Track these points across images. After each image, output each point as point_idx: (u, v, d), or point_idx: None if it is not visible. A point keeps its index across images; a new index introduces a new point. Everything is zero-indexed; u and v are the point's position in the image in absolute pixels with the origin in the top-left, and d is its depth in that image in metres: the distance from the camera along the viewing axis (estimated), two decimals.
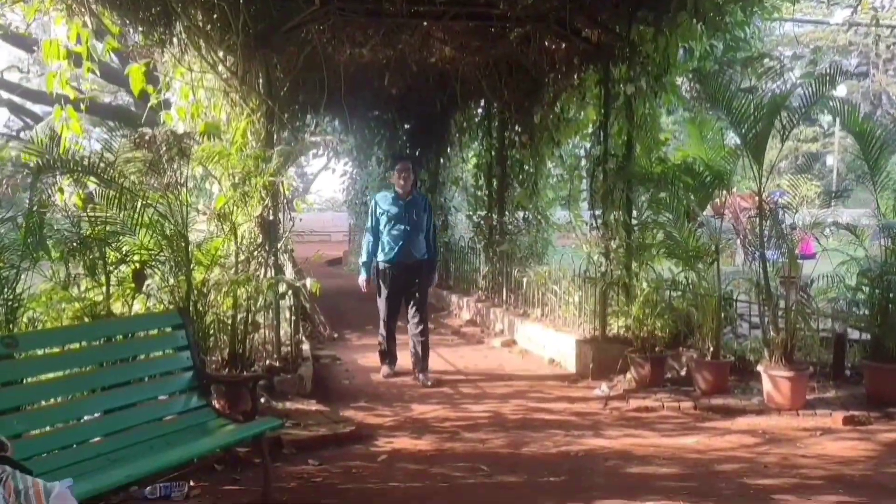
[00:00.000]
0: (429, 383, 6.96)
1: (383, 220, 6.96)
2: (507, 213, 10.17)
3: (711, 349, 6.43)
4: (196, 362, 4.42)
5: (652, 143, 6.92)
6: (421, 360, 7.14)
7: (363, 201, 18.10)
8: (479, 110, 11.33)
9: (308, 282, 6.58)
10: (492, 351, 8.68)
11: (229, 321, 5.49)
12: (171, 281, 4.92)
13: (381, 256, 7.00)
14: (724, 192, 6.33)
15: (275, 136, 6.39)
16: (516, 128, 9.84)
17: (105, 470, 3.49)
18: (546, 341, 8.10)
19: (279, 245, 6.42)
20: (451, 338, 9.50)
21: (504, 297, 9.70)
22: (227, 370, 5.52)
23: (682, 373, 6.92)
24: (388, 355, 7.32)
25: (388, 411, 6.19)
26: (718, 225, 6.55)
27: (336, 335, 9.41)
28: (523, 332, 8.71)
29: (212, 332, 5.26)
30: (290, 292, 6.41)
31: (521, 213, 9.98)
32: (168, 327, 4.46)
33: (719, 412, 5.99)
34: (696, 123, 6.40)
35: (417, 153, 13.85)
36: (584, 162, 8.09)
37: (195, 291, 4.97)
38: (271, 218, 6.32)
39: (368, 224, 7.15)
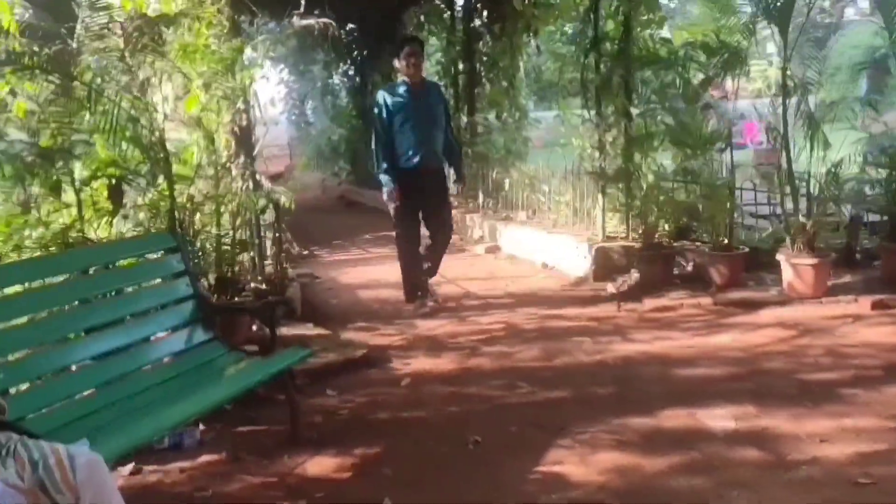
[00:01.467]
0: (431, 303, 6.14)
1: (395, 115, 5.76)
2: (476, 112, 9.52)
3: (725, 241, 6.10)
4: (197, 290, 3.79)
5: (654, 22, 6.34)
6: (431, 265, 6.31)
7: (303, 111, 17.14)
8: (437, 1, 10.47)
9: (282, 192, 5.92)
10: (477, 258, 8.22)
11: (214, 241, 4.81)
12: (152, 196, 4.18)
13: (398, 161, 5.82)
14: (740, 70, 5.83)
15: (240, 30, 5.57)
16: (484, 16, 9.10)
17: (116, 427, 2.89)
18: (536, 245, 7.67)
19: (255, 154, 5.69)
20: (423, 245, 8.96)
21: (481, 202, 9.18)
22: (216, 297, 4.88)
23: (689, 268, 6.61)
24: (415, 287, 6.15)
25: (391, 330, 5.69)
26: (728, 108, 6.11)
27: (305, 252, 8.77)
28: (509, 237, 8.25)
29: (200, 254, 4.58)
30: (270, 207, 5.71)
31: (493, 112, 9.35)
32: (159, 251, 3.79)
33: (741, 306, 5.70)
34: None
35: (365, 53, 12.93)
36: (569, 49, 7.44)
37: (181, 209, 4.27)
38: (244, 124, 5.56)
39: (377, 126, 5.91)
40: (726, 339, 5.02)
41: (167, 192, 4.16)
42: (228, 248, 4.95)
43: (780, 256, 5.80)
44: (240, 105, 5.34)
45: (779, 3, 5.36)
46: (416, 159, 5.79)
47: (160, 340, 3.65)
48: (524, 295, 6.54)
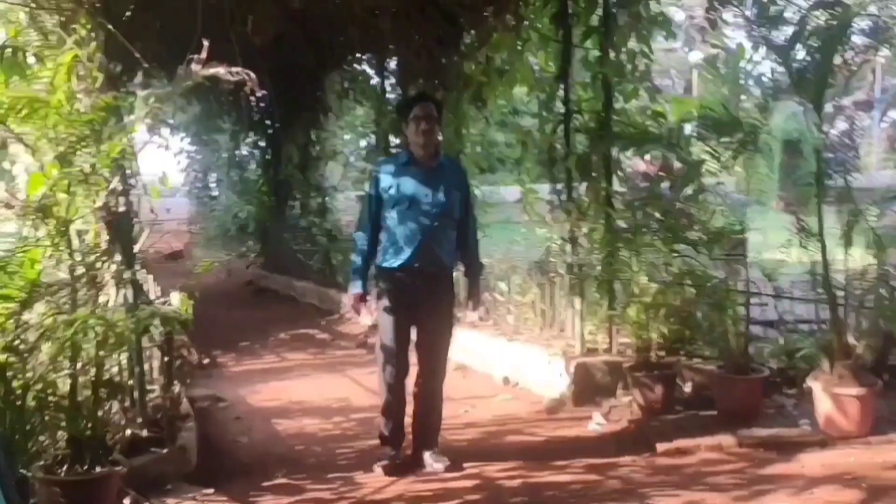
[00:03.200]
0: (440, 467, 4.30)
1: (390, 202, 4.19)
2: None
3: (740, 361, 4.92)
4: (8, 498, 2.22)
5: (642, 92, 5.27)
6: (429, 431, 4.44)
7: (206, 184, 15.53)
8: (365, 66, 9.27)
9: (175, 297, 4.41)
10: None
11: (67, 388, 3.23)
12: None
13: (383, 259, 4.25)
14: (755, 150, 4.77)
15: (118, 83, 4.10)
16: (420, 83, 7.91)
17: None
18: (494, 355, 6.32)
19: (136, 250, 4.17)
20: (358, 352, 7.48)
21: None
22: (65, 468, 3.27)
23: (687, 389, 5.39)
24: (391, 431, 4.42)
25: (325, 490, 4.16)
26: (741, 197, 5.03)
27: (206, 360, 7.11)
28: (455, 344, 6.85)
29: (36, 420, 3.00)
30: (157, 322, 4.15)
31: None
32: None
33: (772, 448, 4.49)
34: (717, 62, 4.79)
35: (277, 125, 11.56)
36: (530, 121, 6.33)
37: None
38: (122, 209, 4.06)
39: (364, 210, 4.46)
40: None
41: None
42: (89, 393, 3.36)
43: (813, 384, 4.64)
44: (115, 184, 3.85)
45: (811, 75, 4.34)
46: (406, 256, 4.14)
47: None
48: (490, 428, 5.14)
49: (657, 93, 5.47)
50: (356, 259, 4.33)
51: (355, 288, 4.31)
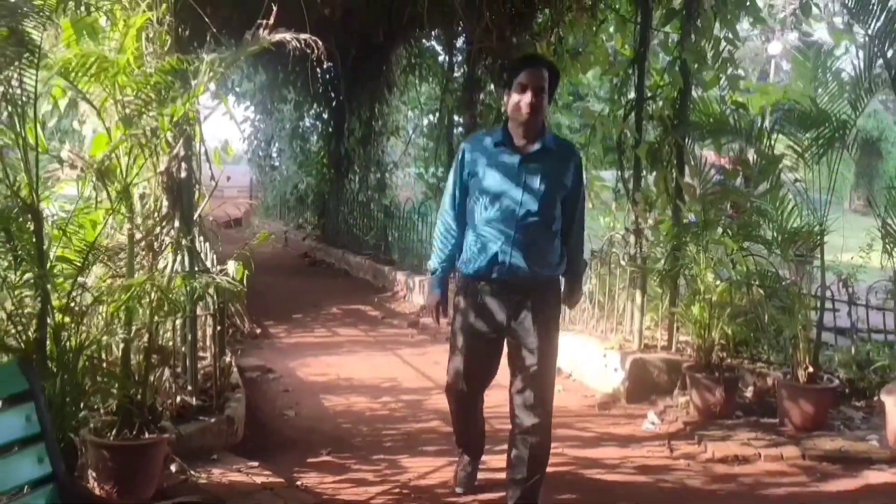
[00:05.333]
0: None
1: (474, 192, 3.36)
2: None
3: (809, 369, 4.68)
4: (58, 470, 2.19)
5: (726, 81, 5.00)
6: (524, 478, 3.40)
7: (268, 154, 15.62)
8: (433, 42, 9.12)
9: (231, 266, 4.37)
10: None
11: (119, 353, 3.22)
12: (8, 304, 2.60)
13: (463, 263, 3.44)
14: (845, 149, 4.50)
15: (186, 47, 4.06)
16: (488, 62, 7.74)
17: None
18: None
19: (196, 217, 4.14)
20: (408, 332, 7.42)
21: None
22: (114, 431, 3.27)
23: (749, 394, 5.18)
24: (464, 449, 3.87)
25: (367, 471, 4.10)
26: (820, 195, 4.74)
27: (258, 330, 7.13)
28: None
29: (87, 383, 2.98)
30: (212, 290, 4.12)
31: None
32: None
33: (837, 462, 4.27)
34: (813, 54, 4.49)
35: (341, 98, 11.50)
36: (602, 107, 6.12)
37: (55, 315, 2.68)
38: (183, 175, 4.03)
39: (447, 198, 3.52)
40: None
41: (34, 291, 2.58)
42: (141, 359, 3.34)
43: (886, 398, 4.40)
44: (178, 149, 3.81)
45: None
46: (485, 262, 3.30)
47: None
48: None
49: (740, 79, 5.19)
50: (437, 256, 3.55)
51: (435, 291, 3.57)
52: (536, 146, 3.30)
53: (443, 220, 3.53)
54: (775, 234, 4.73)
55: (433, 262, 3.60)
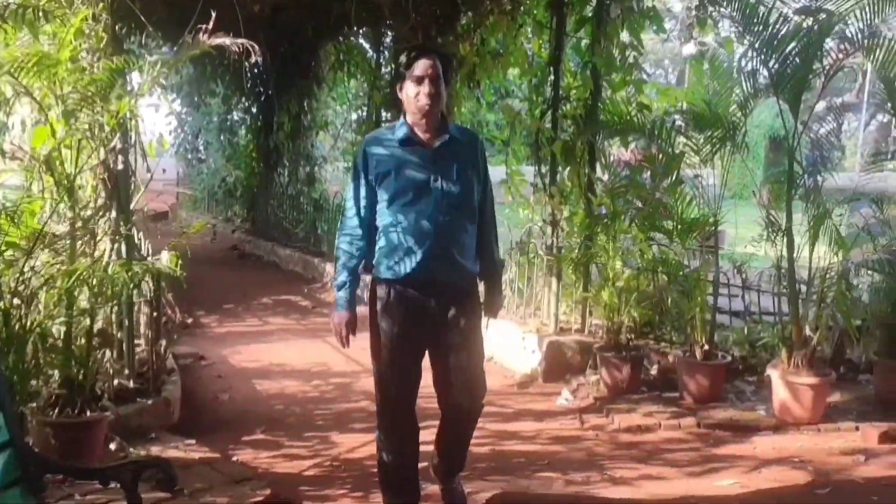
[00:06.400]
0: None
1: (386, 193, 3.12)
2: None
3: (706, 347, 5.15)
4: (15, 436, 2.39)
5: (628, 83, 5.44)
6: (452, 458, 3.50)
7: (195, 147, 15.51)
8: (361, 40, 9.35)
9: (165, 256, 4.55)
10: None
11: (60, 335, 3.40)
12: None
13: (381, 269, 3.15)
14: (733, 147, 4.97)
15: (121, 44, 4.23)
16: None
17: None
18: None
19: (133, 207, 4.31)
20: None
21: None
22: (57, 410, 3.45)
23: (653, 372, 5.64)
24: (395, 481, 3.41)
25: (301, 448, 4.36)
26: (715, 190, 5.22)
27: (189, 320, 7.26)
28: None
29: (33, 363, 3.16)
30: (147, 278, 4.31)
31: None
32: None
33: (728, 429, 4.75)
34: (704, 60, 4.97)
35: (270, 92, 11.60)
36: (519, 105, 6.49)
37: (5, 298, 2.86)
38: (120, 167, 4.19)
39: (349, 204, 3.22)
40: (729, 484, 3.99)
41: None
42: (83, 341, 3.53)
43: (772, 372, 4.89)
44: (115, 143, 3.98)
45: (792, 79, 4.53)
46: (411, 264, 3.08)
47: None
48: None
49: (644, 84, 5.64)
50: (343, 270, 3.22)
51: (342, 309, 3.23)
52: (444, 137, 3.13)
53: (347, 229, 3.20)
54: (676, 225, 5.17)
55: (340, 277, 3.23)
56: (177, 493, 3.41)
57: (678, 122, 5.03)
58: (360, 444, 4.40)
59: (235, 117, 13.22)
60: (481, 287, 3.41)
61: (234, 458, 4.11)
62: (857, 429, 4.71)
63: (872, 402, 5.12)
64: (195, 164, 15.25)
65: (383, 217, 3.13)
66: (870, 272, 5.31)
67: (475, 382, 3.31)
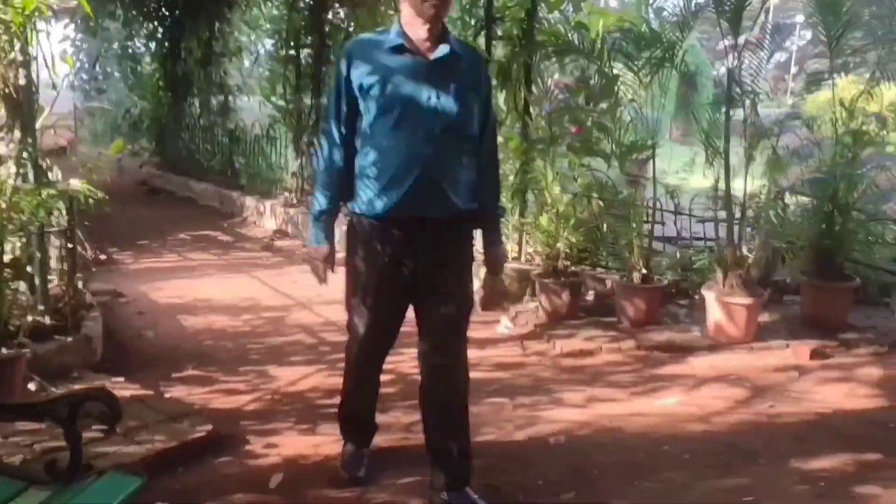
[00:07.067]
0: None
1: (371, 108, 2.67)
2: (324, 95, 8.01)
3: (643, 271, 5.17)
4: None
5: (567, 2, 5.28)
6: (449, 447, 2.92)
7: (93, 77, 14.54)
8: None
9: (75, 183, 4.18)
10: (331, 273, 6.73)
11: None
12: None
13: (360, 201, 2.75)
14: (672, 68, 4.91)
15: None
16: None
17: None
18: None
19: (38, 128, 3.91)
20: (264, 254, 7.38)
21: None
22: None
23: (590, 298, 5.65)
24: (354, 423, 3.23)
25: (238, 383, 4.16)
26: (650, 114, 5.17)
27: (102, 256, 6.82)
28: None
29: None
30: (60, 206, 3.94)
31: None
32: None
33: (667, 350, 4.81)
34: None
35: (176, 16, 10.88)
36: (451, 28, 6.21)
37: None
38: (22, 81, 3.77)
39: (329, 122, 2.81)
40: (673, 402, 4.05)
41: None
42: None
43: (707, 293, 4.96)
44: (15, 55, 3.57)
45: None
46: (395, 196, 2.65)
47: None
48: (403, 327, 5.21)
49: (582, 1, 5.48)
50: (322, 196, 2.84)
51: (319, 242, 2.87)
52: (444, 49, 2.64)
53: (326, 149, 2.80)
54: (614, 148, 5.11)
55: (317, 204, 2.85)
56: (110, 433, 3.17)
57: (618, 42, 4.91)
58: (301, 377, 4.24)
59: (138, 44, 12.36)
60: (476, 235, 2.95)
61: (167, 396, 3.87)
62: (787, 347, 4.84)
63: (800, 321, 5.28)
64: (94, 95, 14.29)
65: (365, 139, 2.69)
66: (798, 196, 5.43)
67: (459, 338, 2.90)
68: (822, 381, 4.40)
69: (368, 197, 2.69)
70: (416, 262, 2.74)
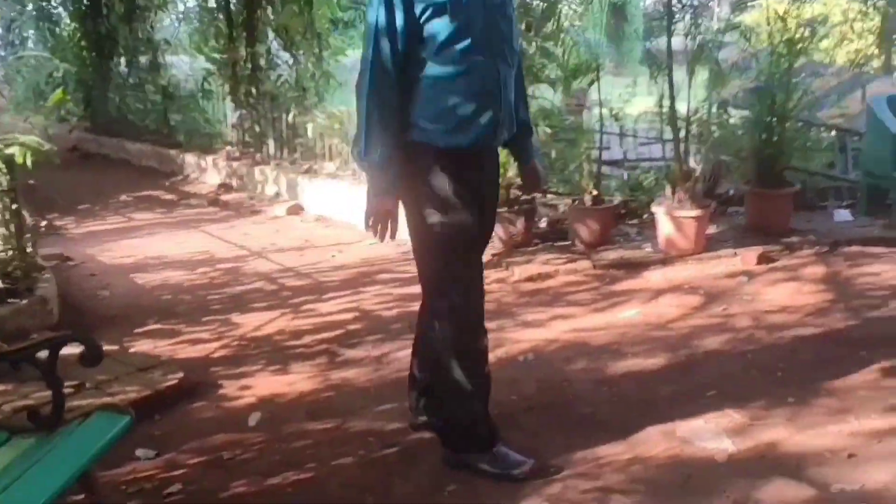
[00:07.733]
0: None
1: (439, 30, 2.32)
2: (258, 42, 7.81)
3: (594, 193, 5.27)
4: None
5: None
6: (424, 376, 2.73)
7: (8, 41, 13.82)
8: None
9: (14, 149, 4.05)
10: (279, 222, 6.70)
11: None
12: None
13: (433, 133, 2.39)
14: None
15: None
16: None
17: None
18: (355, 203, 6.32)
19: None
20: (211, 210, 7.27)
21: (272, 152, 7.59)
22: None
23: (543, 224, 5.74)
24: (484, 424, 2.64)
25: (203, 333, 4.15)
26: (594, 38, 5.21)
27: (43, 223, 6.62)
28: (314, 194, 6.85)
29: None
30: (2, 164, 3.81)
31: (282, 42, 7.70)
32: None
33: (621, 268, 4.95)
34: None
35: None
36: None
37: None
38: None
39: (382, 44, 2.32)
40: (633, 314, 4.19)
41: None
42: None
43: (657, 209, 5.09)
44: None
45: None
46: (482, 125, 2.42)
47: None
48: (361, 268, 5.25)
49: None
50: (379, 138, 2.36)
51: (384, 193, 2.38)
52: None
53: (380, 80, 2.35)
54: (560, 73, 5.14)
55: (376, 149, 2.36)
56: (80, 388, 3.16)
57: None
58: (265, 322, 4.26)
59: (54, 3, 11.77)
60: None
61: (132, 350, 3.83)
62: (735, 254, 5.02)
63: (746, 229, 5.47)
64: (11, 60, 13.60)
65: (432, 67, 2.36)
66: (739, 109, 5.57)
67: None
68: (770, 282, 4.58)
69: (450, 126, 2.39)
70: (484, 187, 2.54)
